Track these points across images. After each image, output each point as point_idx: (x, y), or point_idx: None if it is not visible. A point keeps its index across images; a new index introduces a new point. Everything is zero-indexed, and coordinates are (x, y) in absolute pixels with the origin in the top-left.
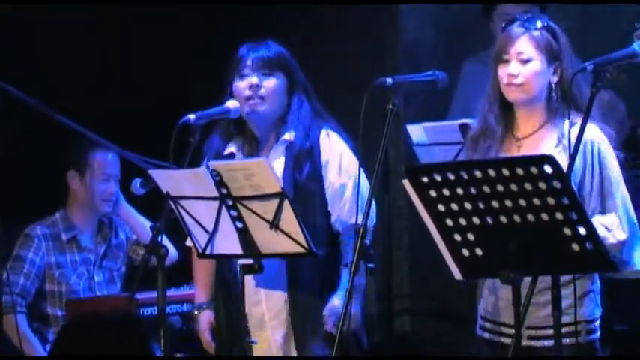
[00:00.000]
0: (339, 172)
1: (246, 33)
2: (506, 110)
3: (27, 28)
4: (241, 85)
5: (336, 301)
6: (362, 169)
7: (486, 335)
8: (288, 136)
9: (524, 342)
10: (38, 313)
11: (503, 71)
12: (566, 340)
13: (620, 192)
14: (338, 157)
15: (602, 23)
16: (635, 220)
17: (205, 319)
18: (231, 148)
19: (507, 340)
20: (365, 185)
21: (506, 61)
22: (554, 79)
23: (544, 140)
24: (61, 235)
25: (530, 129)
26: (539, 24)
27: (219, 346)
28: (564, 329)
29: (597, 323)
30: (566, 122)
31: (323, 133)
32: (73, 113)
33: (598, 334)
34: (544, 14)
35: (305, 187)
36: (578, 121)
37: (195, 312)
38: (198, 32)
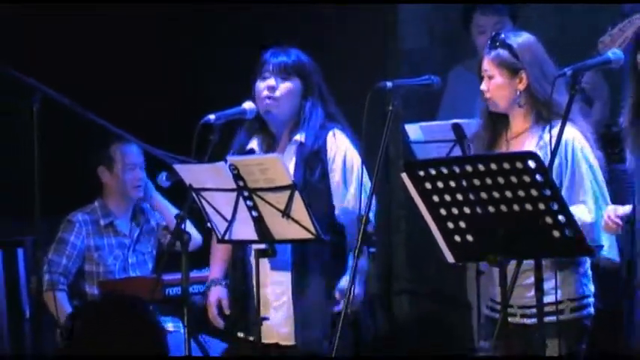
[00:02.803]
0: (343, 169)
1: (248, 39)
2: (500, 115)
3: (47, 29)
4: (261, 86)
5: (344, 282)
6: (364, 166)
7: (486, 312)
8: (299, 137)
9: (518, 320)
10: (77, 291)
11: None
12: (552, 318)
13: (590, 183)
14: (342, 154)
15: (579, 33)
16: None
17: (215, 294)
18: (252, 144)
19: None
20: (367, 182)
21: (482, 78)
22: (521, 87)
23: (527, 140)
24: (100, 220)
25: (518, 131)
26: (498, 42)
27: (229, 319)
28: (548, 308)
29: (585, 301)
30: (548, 126)
31: (330, 133)
32: (104, 115)
33: (587, 310)
34: (513, 26)
35: (315, 187)
36: (558, 124)
37: (209, 286)
38: (199, 35)
